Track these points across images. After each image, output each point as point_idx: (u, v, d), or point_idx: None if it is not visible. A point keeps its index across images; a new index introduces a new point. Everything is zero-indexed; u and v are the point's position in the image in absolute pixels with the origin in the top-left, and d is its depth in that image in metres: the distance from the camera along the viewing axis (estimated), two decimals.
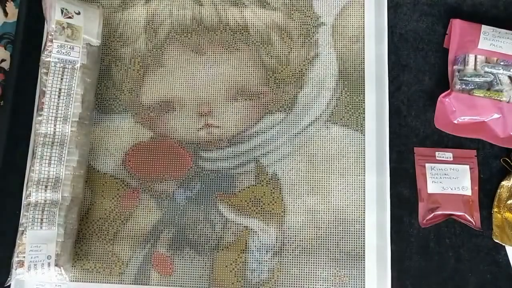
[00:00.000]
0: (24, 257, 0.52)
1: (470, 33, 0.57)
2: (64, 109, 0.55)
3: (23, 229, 0.53)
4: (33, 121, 0.60)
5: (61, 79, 0.55)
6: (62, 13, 0.55)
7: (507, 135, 0.56)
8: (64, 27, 0.55)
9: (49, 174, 0.54)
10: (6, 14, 0.67)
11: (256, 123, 0.59)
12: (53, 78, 0.55)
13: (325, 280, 0.55)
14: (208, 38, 0.62)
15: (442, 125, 0.57)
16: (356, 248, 0.56)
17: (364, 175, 0.57)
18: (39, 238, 0.52)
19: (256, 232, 0.57)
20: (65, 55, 0.55)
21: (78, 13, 0.56)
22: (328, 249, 0.56)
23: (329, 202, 0.57)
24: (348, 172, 0.58)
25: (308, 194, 0.57)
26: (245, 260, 0.56)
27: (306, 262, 0.56)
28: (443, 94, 0.56)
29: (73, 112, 0.55)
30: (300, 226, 0.57)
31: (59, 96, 0.55)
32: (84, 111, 0.57)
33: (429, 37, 0.61)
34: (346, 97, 0.60)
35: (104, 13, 0.62)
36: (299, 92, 0.60)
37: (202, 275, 0.56)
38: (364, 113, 0.59)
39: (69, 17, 0.56)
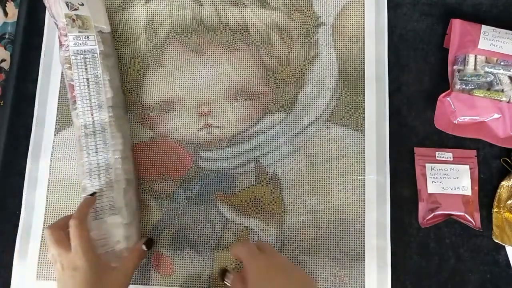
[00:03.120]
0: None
1: (470, 33, 0.57)
2: (97, 96, 0.55)
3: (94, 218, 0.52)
4: (33, 121, 0.60)
5: (86, 69, 0.55)
6: (68, 6, 0.55)
7: (507, 135, 0.56)
8: (74, 19, 0.55)
9: (98, 162, 0.54)
10: (6, 14, 0.67)
11: (256, 123, 0.59)
12: (77, 70, 0.55)
13: (325, 280, 0.55)
14: (208, 38, 0.62)
15: (442, 125, 0.57)
16: (356, 248, 0.56)
17: (364, 175, 0.57)
18: (104, 227, 0.52)
19: (256, 232, 0.57)
20: (82, 46, 0.55)
21: (82, 4, 0.57)
22: (328, 249, 0.56)
23: (329, 202, 0.57)
24: (348, 172, 0.58)
25: (308, 194, 0.57)
26: None
27: (306, 262, 0.56)
28: (443, 94, 0.56)
29: (106, 98, 0.55)
30: (300, 226, 0.57)
31: (88, 86, 0.55)
32: (116, 96, 0.57)
33: (429, 37, 0.61)
34: (346, 97, 0.60)
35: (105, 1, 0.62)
36: (299, 92, 0.60)
37: (202, 275, 0.56)
38: (364, 113, 0.59)
39: (75, 9, 0.56)
